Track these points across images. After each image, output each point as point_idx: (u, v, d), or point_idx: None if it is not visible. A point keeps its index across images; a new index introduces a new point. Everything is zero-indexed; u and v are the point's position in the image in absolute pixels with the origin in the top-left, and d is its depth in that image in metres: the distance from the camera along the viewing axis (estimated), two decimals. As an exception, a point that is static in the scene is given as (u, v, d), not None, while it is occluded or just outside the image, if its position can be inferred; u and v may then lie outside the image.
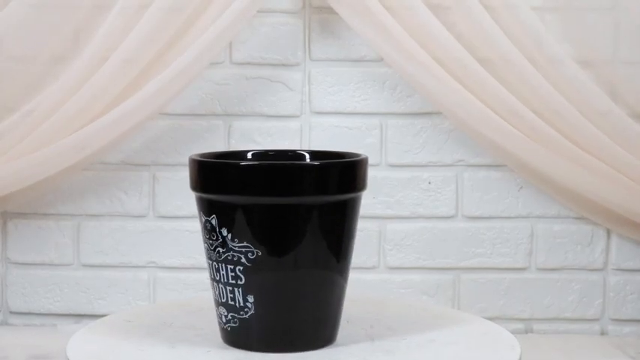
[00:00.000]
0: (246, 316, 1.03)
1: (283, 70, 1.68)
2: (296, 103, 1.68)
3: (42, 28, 1.59)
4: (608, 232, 1.70)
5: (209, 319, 1.16)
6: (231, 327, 1.05)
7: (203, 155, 1.09)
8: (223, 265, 1.03)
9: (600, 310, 1.71)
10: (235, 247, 1.02)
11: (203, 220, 1.04)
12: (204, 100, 1.68)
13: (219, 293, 1.05)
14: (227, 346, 1.05)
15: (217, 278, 1.05)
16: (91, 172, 1.69)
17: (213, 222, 1.03)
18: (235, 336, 1.05)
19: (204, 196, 1.04)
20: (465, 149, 1.69)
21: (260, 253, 1.01)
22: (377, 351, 1.05)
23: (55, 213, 1.69)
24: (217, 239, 1.03)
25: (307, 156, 1.17)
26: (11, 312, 1.72)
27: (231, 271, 1.03)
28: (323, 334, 1.06)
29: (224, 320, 1.05)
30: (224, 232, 1.02)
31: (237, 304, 1.03)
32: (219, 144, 1.67)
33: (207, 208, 1.04)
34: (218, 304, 1.06)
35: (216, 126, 1.68)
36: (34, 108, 1.58)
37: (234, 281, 1.03)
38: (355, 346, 1.06)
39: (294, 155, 1.19)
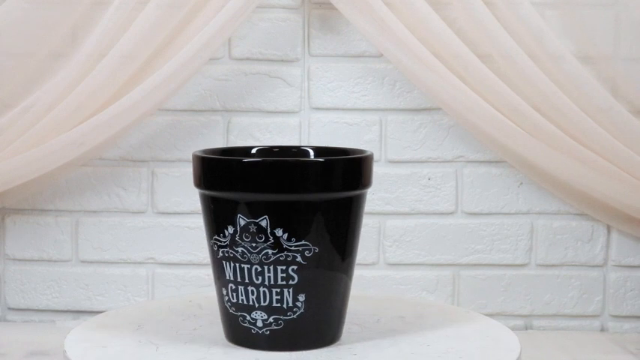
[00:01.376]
0: (295, 316, 1.01)
1: (282, 66, 1.67)
2: (295, 99, 1.68)
3: (40, 24, 1.59)
4: (609, 229, 1.70)
5: (210, 316, 1.16)
6: (272, 330, 1.02)
7: (205, 151, 1.07)
8: (271, 266, 1.00)
9: (600, 307, 1.71)
10: (291, 246, 1.00)
11: (242, 222, 0.99)
12: (204, 96, 1.68)
13: (258, 297, 1.01)
14: (252, 350, 1.03)
15: (258, 282, 1.00)
16: (89, 168, 1.68)
17: (263, 223, 0.99)
18: (277, 338, 1.02)
19: (250, 197, 0.99)
20: (465, 145, 1.68)
21: (317, 250, 1.00)
22: (377, 348, 1.05)
23: (53, 209, 1.69)
24: (267, 241, 0.99)
25: (312, 152, 1.15)
26: (9, 308, 1.71)
27: (282, 272, 1.00)
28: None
29: (260, 325, 1.02)
30: (278, 232, 0.99)
31: (284, 305, 1.01)
32: (218, 140, 1.67)
33: (253, 210, 0.99)
34: (252, 308, 1.02)
35: (215, 122, 1.68)
36: (33, 104, 1.58)
37: (284, 282, 1.00)
38: (359, 344, 1.06)
39: (299, 151, 1.17)
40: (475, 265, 1.70)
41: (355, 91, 1.68)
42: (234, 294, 1.02)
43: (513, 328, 1.66)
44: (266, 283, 1.00)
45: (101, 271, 1.70)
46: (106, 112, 1.55)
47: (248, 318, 1.02)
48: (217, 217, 1.02)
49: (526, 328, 1.72)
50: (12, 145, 1.57)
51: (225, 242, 1.01)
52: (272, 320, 1.01)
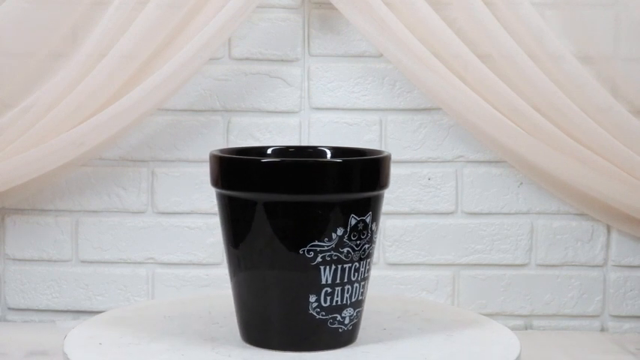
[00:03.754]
0: (363, 306, 1.06)
1: (282, 66, 1.67)
2: (295, 98, 1.68)
3: (40, 24, 1.59)
4: (609, 229, 1.70)
5: (212, 315, 1.16)
6: (355, 324, 1.04)
7: (223, 151, 1.06)
8: (365, 261, 1.02)
9: (600, 307, 1.71)
10: (375, 239, 1.04)
11: (353, 222, 0.99)
12: (203, 96, 1.68)
13: (351, 294, 1.01)
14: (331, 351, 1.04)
15: (354, 279, 1.01)
16: (89, 168, 1.68)
17: (368, 220, 1.00)
18: (353, 332, 1.05)
19: (356, 196, 0.99)
20: (465, 145, 1.68)
21: (376, 238, 1.04)
22: (376, 348, 1.05)
23: (53, 209, 1.69)
24: (366, 236, 1.01)
25: (328, 152, 1.15)
26: (9, 308, 1.71)
27: (368, 265, 1.03)
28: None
29: (347, 321, 1.02)
30: (374, 226, 1.02)
31: (363, 297, 1.04)
32: (218, 140, 1.67)
33: (361, 208, 0.99)
34: (344, 307, 1.01)
35: (215, 122, 1.68)
36: (33, 104, 1.58)
37: (368, 274, 1.04)
38: (359, 344, 1.06)
39: (315, 151, 1.16)
40: (475, 265, 1.70)
41: (355, 91, 1.68)
42: (329, 297, 1.00)
43: (513, 328, 1.66)
44: (359, 278, 1.02)
45: (101, 271, 1.70)
46: (106, 112, 1.55)
47: (338, 318, 1.02)
48: (323, 222, 0.99)
49: (526, 328, 1.72)
50: (12, 145, 1.57)
51: (329, 246, 0.99)
52: (355, 314, 1.03)
